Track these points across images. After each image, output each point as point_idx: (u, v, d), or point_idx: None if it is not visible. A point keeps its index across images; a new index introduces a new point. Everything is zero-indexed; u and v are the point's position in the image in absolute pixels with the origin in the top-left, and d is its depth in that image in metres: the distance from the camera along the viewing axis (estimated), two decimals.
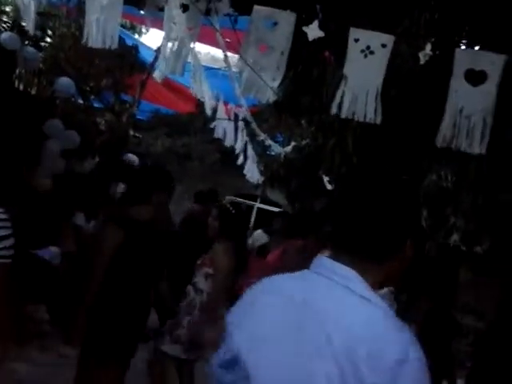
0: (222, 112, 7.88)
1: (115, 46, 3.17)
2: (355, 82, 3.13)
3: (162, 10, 3.43)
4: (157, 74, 3.60)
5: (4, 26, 6.59)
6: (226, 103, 7.87)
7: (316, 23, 3.14)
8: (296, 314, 1.26)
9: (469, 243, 5.50)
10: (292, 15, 3.20)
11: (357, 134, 4.83)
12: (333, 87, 3.71)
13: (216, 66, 6.89)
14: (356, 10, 3.80)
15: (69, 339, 3.29)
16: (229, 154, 10.29)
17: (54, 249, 6.05)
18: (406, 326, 1.24)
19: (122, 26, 7.89)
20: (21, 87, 6.30)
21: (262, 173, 10.19)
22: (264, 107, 7.79)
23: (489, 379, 2.68)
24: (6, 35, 5.94)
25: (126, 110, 8.00)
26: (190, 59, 3.57)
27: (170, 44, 3.33)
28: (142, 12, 4.88)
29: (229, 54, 4.26)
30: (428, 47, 3.09)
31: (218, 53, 4.43)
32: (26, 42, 6.41)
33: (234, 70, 4.17)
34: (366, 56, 3.09)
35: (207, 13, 3.39)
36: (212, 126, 8.16)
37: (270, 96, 3.41)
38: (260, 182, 10.45)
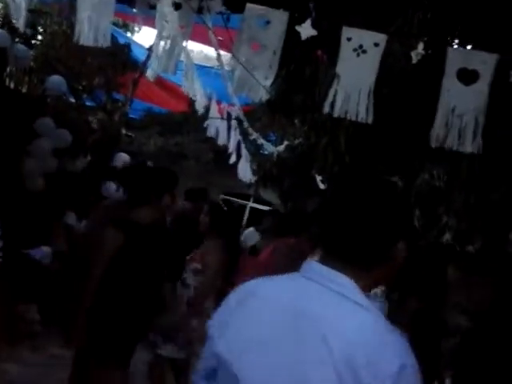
0: (214, 111, 7.86)
1: (107, 44, 3.15)
2: (348, 81, 3.12)
3: (154, 8, 3.41)
4: (149, 73, 3.59)
5: None
6: (218, 102, 7.85)
7: (309, 22, 3.13)
8: (288, 319, 1.24)
9: (461, 242, 5.52)
10: (285, 14, 3.20)
11: (349, 133, 4.83)
12: (325, 86, 3.71)
13: (209, 65, 6.88)
14: (349, 9, 3.80)
15: (69, 340, 3.28)
16: (222, 153, 10.27)
17: (45, 248, 6.02)
18: (399, 331, 1.24)
19: (115, 24, 7.85)
20: (11, 85, 6.26)
21: (254, 172, 10.17)
22: (257, 106, 7.78)
23: (475, 378, 2.68)
24: None
25: (118, 108, 7.97)
26: (182, 58, 3.55)
27: (162, 42, 3.31)
28: (134, 10, 4.85)
29: (221, 52, 4.25)
30: (420, 46, 3.09)
31: (210, 51, 4.41)
32: (17, 40, 6.37)
33: (226, 68, 4.16)
34: (358, 55, 3.09)
35: (199, 11, 3.38)
36: (205, 125, 8.14)
37: (262, 95, 3.41)
38: (252, 181, 10.44)
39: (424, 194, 5.59)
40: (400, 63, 3.58)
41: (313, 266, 1.32)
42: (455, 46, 3.90)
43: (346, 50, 3.12)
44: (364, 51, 3.08)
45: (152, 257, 3.40)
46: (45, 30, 7.28)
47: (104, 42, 3.11)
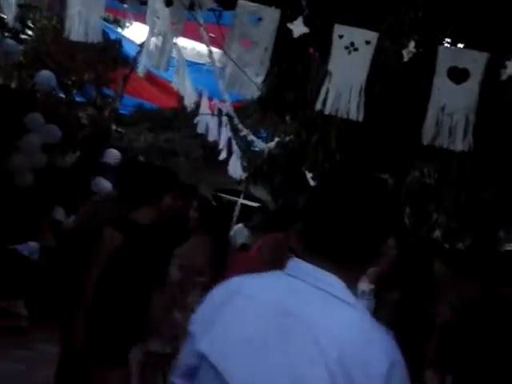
0: (205, 107, 7.85)
1: (98, 39, 3.12)
2: (339, 79, 3.12)
3: (145, 3, 3.39)
4: (140, 69, 3.57)
5: None
6: (210, 98, 7.84)
7: (301, 19, 3.12)
8: (274, 318, 1.23)
9: (451, 240, 5.55)
10: (276, 11, 3.19)
11: (340, 131, 4.84)
12: (317, 83, 3.71)
13: (201, 61, 6.85)
14: (341, 7, 3.79)
15: (71, 340, 3.26)
16: (212, 150, 10.26)
17: (33, 244, 6.00)
18: (385, 329, 1.24)
19: (105, 19, 7.80)
20: (1, 80, 6.21)
21: (245, 169, 10.17)
22: (248, 103, 7.77)
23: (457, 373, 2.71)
24: None
25: (108, 104, 7.92)
26: (174, 54, 3.54)
27: (153, 39, 3.29)
28: (125, 6, 4.83)
29: (213, 49, 4.24)
30: (412, 45, 3.09)
31: (203, 48, 4.40)
32: (6, 35, 6.31)
33: (218, 65, 4.15)
34: (349, 52, 3.09)
35: (191, 7, 3.36)
36: (195, 121, 8.13)
37: (253, 91, 3.40)
38: (243, 177, 10.43)
39: (414, 191, 5.62)
40: (391, 61, 3.59)
41: (298, 264, 1.31)
42: (446, 45, 3.91)
43: (337, 47, 3.12)
44: (355, 49, 3.08)
45: (151, 257, 3.39)
46: (34, 25, 7.21)
47: (95, 38, 3.09)
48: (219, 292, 1.37)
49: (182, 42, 3.60)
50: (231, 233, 6.94)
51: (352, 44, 3.08)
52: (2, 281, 5.54)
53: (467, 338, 2.60)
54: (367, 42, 3.09)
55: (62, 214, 6.48)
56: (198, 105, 7.29)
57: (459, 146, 3.05)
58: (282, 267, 1.34)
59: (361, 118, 3.10)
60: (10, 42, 6.11)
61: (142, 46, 4.91)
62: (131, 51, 7.78)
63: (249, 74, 3.25)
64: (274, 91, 5.01)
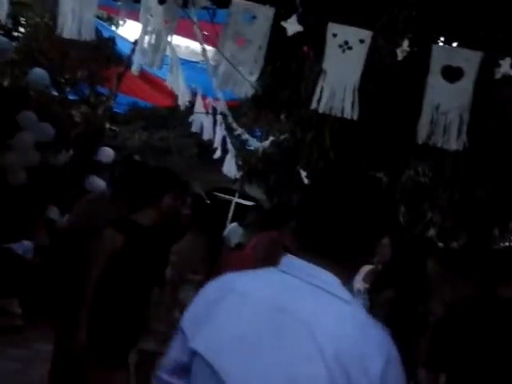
0: (200, 106, 7.83)
1: (92, 37, 3.10)
2: (333, 77, 3.12)
3: (138, 1, 3.37)
4: (134, 67, 3.55)
5: None
6: (204, 97, 7.82)
7: (295, 18, 3.12)
8: (269, 315, 1.22)
9: (445, 238, 5.57)
10: (270, 10, 3.18)
11: (335, 129, 4.83)
12: (311, 82, 3.71)
13: (195, 60, 6.84)
14: (335, 5, 3.79)
15: (73, 340, 3.24)
16: (206, 148, 10.24)
17: (27, 243, 5.98)
18: (382, 325, 1.24)
19: (99, 17, 7.77)
20: None
21: (239, 167, 10.15)
22: (243, 101, 7.76)
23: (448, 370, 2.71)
24: None
25: (102, 102, 7.90)
26: (168, 52, 3.52)
27: (147, 37, 3.28)
28: (118, 3, 4.80)
29: (207, 47, 4.22)
30: (405, 43, 3.09)
31: (197, 46, 4.38)
32: None
33: (212, 63, 4.13)
34: (344, 51, 3.09)
35: (184, 5, 3.34)
36: (190, 120, 8.11)
37: (247, 90, 3.39)
38: (238, 176, 10.42)
39: (409, 190, 5.63)
40: (385, 60, 3.59)
41: (292, 261, 1.30)
42: (440, 44, 3.91)
43: (331, 46, 3.11)
44: (349, 47, 3.08)
45: (152, 258, 3.39)
46: (27, 22, 7.17)
47: (88, 36, 3.07)
48: (212, 289, 1.36)
49: (176, 40, 3.59)
50: (226, 232, 6.93)
51: (346, 43, 3.08)
52: None
53: (460, 336, 2.60)
54: (361, 41, 3.08)
55: (55, 213, 6.46)
56: (192, 103, 7.26)
57: (453, 144, 3.06)
58: (276, 265, 1.34)
59: (355, 117, 3.10)
60: (2, 39, 6.07)
61: (135, 44, 4.89)
62: (125, 49, 7.75)
63: (243, 73, 3.24)
64: (268, 90, 5.00)
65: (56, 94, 7.33)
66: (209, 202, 4.11)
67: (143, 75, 7.21)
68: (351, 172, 1.38)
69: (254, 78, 3.27)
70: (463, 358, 2.57)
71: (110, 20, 10.23)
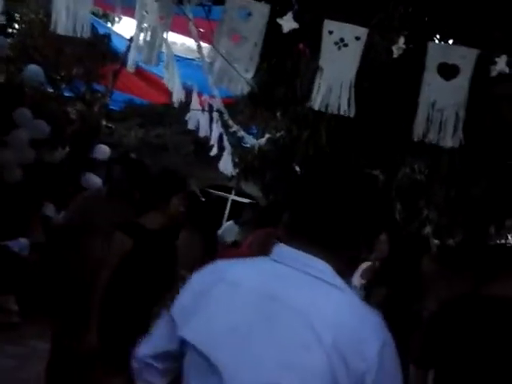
0: (196, 103, 7.81)
1: (87, 34, 3.08)
2: (329, 74, 3.11)
3: None
4: (130, 64, 3.54)
5: None
6: (200, 94, 7.80)
7: (290, 15, 3.11)
8: (262, 304, 1.22)
9: (442, 236, 5.57)
10: (266, 7, 3.17)
11: (331, 127, 4.82)
12: (307, 79, 3.70)
13: (191, 57, 6.82)
14: (331, 2, 3.78)
15: (88, 342, 3.24)
16: (203, 145, 10.22)
17: (23, 240, 5.97)
18: (376, 311, 1.26)
19: (94, 13, 7.74)
20: None
21: (235, 165, 10.14)
22: (239, 99, 7.74)
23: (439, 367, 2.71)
24: None
25: (97, 99, 7.88)
26: (163, 49, 3.51)
27: (142, 34, 3.26)
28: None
29: (203, 44, 4.21)
30: (401, 41, 3.08)
31: (193, 43, 4.37)
32: None
33: (207, 60, 4.12)
34: (339, 48, 3.08)
35: (180, 2, 3.33)
36: (186, 117, 8.08)
37: (242, 87, 3.37)
38: (234, 174, 10.40)
39: (405, 187, 5.62)
40: (381, 57, 3.58)
41: (284, 249, 1.31)
42: (436, 41, 3.90)
43: (327, 43, 3.11)
44: (345, 44, 3.07)
45: (160, 262, 3.40)
46: (21, 19, 7.13)
47: (83, 33, 3.04)
48: (203, 278, 1.36)
49: (172, 37, 3.58)
50: (221, 230, 6.93)
51: (342, 40, 3.07)
52: None
53: (452, 333, 2.60)
54: (357, 38, 3.07)
55: (51, 210, 6.46)
56: (188, 101, 7.25)
57: (449, 142, 3.06)
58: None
59: (352, 114, 3.09)
60: None
61: (131, 40, 4.87)
62: (120, 46, 7.72)
63: (238, 70, 3.23)
64: (264, 87, 4.98)
65: (51, 90, 7.31)
66: (203, 199, 4.10)
67: (139, 72, 7.19)
68: (340, 162, 1.42)
69: (249, 75, 3.26)
70: (454, 354, 2.57)
71: (106, 17, 10.19)
